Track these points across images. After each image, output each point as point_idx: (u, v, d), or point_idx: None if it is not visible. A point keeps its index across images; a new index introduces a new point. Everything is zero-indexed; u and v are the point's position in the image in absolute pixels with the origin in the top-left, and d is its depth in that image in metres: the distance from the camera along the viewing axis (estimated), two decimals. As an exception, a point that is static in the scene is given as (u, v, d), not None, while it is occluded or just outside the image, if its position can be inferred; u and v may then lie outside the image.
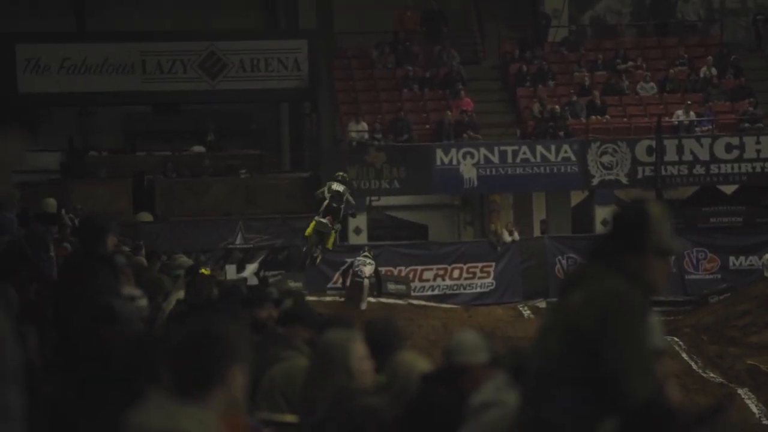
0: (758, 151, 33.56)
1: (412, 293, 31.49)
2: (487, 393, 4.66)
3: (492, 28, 37.42)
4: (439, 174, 33.39)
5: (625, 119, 34.90)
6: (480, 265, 32.84)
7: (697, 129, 34.28)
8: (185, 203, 33.86)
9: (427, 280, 32.72)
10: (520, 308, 30.20)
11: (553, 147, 33.55)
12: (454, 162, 33.40)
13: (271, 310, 8.97)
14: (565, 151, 33.55)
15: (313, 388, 5.73)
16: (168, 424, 4.04)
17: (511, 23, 37.60)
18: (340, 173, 28.02)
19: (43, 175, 33.20)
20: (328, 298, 29.48)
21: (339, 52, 36.71)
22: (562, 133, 33.93)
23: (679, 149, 33.56)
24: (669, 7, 38.98)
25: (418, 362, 6.17)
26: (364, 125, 34.13)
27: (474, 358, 5.42)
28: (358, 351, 5.75)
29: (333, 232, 27.24)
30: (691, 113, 34.34)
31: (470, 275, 32.84)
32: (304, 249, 28.54)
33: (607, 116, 34.64)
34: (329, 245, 27.56)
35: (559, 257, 32.86)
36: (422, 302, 30.38)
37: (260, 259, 32.08)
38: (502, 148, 33.62)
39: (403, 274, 32.38)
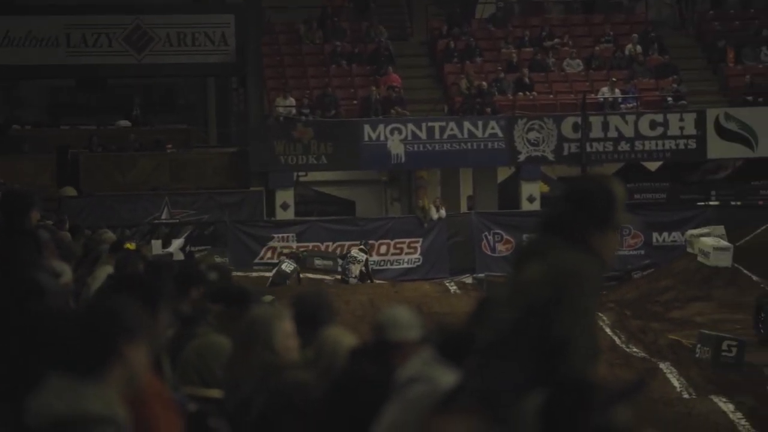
0: (682, 128, 33.92)
1: (339, 269, 31.50)
2: (414, 368, 4.68)
3: (419, 4, 37.44)
4: (367, 150, 33.39)
5: (552, 96, 35.10)
6: (407, 240, 32.93)
7: (622, 106, 34.57)
8: (110, 178, 33.58)
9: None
10: (447, 284, 30.33)
11: (480, 123, 33.67)
12: (382, 138, 33.42)
13: (201, 289, 8.92)
14: (492, 128, 33.70)
15: (237, 364, 5.72)
16: (72, 407, 3.98)
17: (439, -1, 37.65)
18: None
19: (-35, 149, 32.77)
20: (254, 274, 29.41)
21: (267, 27, 36.52)
22: (489, 110, 34.06)
23: (605, 126, 33.83)
24: (595, -15, 39.18)
25: (344, 337, 6.17)
26: (291, 100, 34.02)
27: (407, 334, 5.44)
28: (284, 328, 5.74)
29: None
30: (616, 90, 34.63)
31: (397, 251, 32.91)
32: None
33: (534, 93, 34.82)
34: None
35: (486, 233, 33.02)
36: (349, 278, 30.36)
37: (186, 234, 31.93)
38: (430, 124, 33.69)
39: (330, 249, 32.38)
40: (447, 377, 4.49)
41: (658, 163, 35.45)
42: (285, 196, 33.46)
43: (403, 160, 33.64)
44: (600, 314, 25.31)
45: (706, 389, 18.90)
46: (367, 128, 33.46)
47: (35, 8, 34.79)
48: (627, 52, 35.86)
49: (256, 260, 32.06)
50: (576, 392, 4.08)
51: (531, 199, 33.79)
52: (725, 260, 29.97)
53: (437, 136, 33.55)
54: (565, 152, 33.87)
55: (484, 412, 4.06)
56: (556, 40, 36.46)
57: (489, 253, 32.99)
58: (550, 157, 33.87)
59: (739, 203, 34.22)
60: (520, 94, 34.66)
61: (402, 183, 36.58)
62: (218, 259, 29.75)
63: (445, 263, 32.76)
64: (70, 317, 4.76)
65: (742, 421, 17.61)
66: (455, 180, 35.98)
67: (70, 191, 32.71)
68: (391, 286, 29.14)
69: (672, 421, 16.86)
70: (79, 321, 4.24)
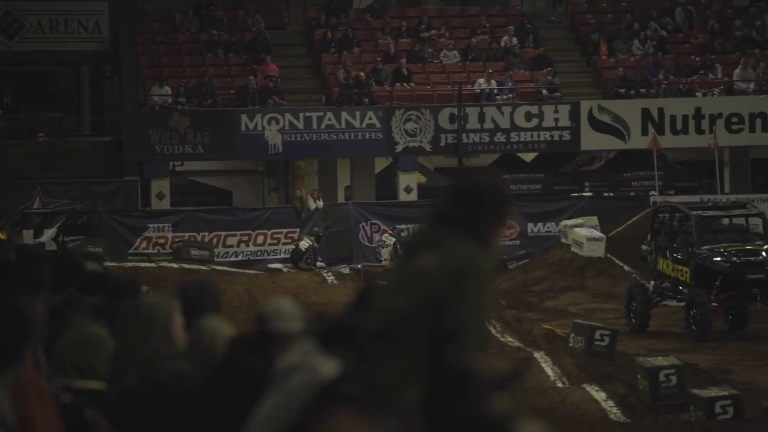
0: (556, 120, 34.35)
1: (216, 259, 31.31)
2: (293, 358, 4.66)
3: (297, -7, 37.35)
4: (244, 139, 33.21)
5: (429, 87, 35.29)
6: (284, 231, 32.83)
7: (498, 97, 34.90)
8: (-20, 167, 32.91)
9: (231, 246, 32.56)
10: (324, 274, 30.31)
11: (357, 114, 33.70)
12: (259, 127, 33.27)
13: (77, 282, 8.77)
14: (370, 118, 33.76)
15: (125, 354, 5.64)
16: None
17: (317, -11, 37.58)
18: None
19: None
20: (129, 264, 29.05)
21: (141, 15, 36.10)
22: (366, 100, 34.11)
23: (481, 117, 34.11)
24: (472, -23, 39.49)
25: (222, 327, 6.12)
26: (167, 89, 33.68)
27: (290, 325, 5.47)
28: (178, 319, 5.72)
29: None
30: (493, 82, 34.94)
31: (274, 241, 32.81)
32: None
33: (412, 84, 34.96)
34: None
35: (363, 224, 33.09)
36: (225, 268, 30.21)
37: (59, 223, 31.43)
38: (307, 114, 33.63)
39: (206, 239, 32.15)
40: (327, 367, 4.48)
41: (533, 155, 35.88)
42: (160, 186, 33.13)
43: (281, 150, 33.53)
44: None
45: (579, 378, 19.17)
46: (244, 118, 33.28)
47: None
48: (503, 44, 36.20)
49: (131, 250, 31.70)
50: (457, 381, 4.10)
51: (408, 190, 33.94)
52: (598, 250, 30.45)
53: (315, 126, 33.51)
54: (442, 143, 34.09)
55: (367, 401, 4.06)
56: (433, 32, 36.66)
57: (366, 243, 33.07)
58: (427, 147, 34.06)
59: (611, 194, 34.80)
60: (398, 84, 34.77)
61: (279, 173, 36.47)
62: (92, 249, 29.36)
63: (322, 253, 32.74)
64: None
65: (614, 409, 17.90)
66: (333, 170, 35.98)
67: (-62, 180, 32.00)
68: (268, 277, 29.03)
69: (546, 410, 17.07)
70: None
